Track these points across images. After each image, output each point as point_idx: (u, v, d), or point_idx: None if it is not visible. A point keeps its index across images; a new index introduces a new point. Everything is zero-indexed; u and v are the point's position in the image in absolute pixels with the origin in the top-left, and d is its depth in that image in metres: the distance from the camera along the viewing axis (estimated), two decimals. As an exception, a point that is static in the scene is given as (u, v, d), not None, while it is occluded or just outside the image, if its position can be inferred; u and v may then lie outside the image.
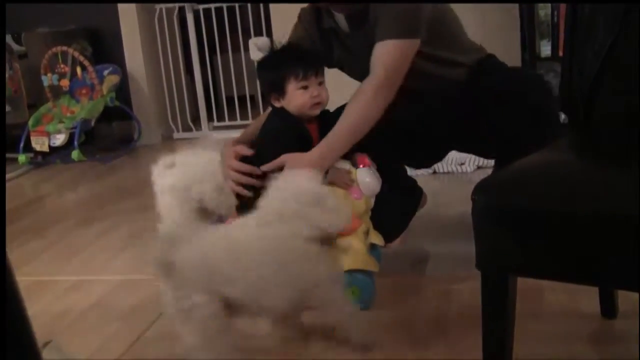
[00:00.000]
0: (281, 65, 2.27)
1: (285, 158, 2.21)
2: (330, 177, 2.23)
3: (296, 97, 2.25)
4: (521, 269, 1.57)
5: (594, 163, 1.68)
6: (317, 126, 2.31)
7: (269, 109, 2.41)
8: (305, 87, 2.24)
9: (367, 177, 2.27)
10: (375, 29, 2.32)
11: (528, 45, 4.07)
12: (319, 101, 2.26)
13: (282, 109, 2.28)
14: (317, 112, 2.28)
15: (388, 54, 2.29)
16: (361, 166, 2.29)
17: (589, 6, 1.85)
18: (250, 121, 5.75)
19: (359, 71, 2.54)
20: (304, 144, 2.27)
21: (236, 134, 5.63)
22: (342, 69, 2.63)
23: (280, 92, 2.27)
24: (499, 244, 1.55)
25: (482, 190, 1.58)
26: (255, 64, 4.93)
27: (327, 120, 2.32)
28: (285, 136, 2.25)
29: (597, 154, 1.73)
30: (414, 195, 2.87)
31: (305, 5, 2.57)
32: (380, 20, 2.31)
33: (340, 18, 2.47)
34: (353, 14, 2.42)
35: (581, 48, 1.86)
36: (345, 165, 2.29)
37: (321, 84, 2.28)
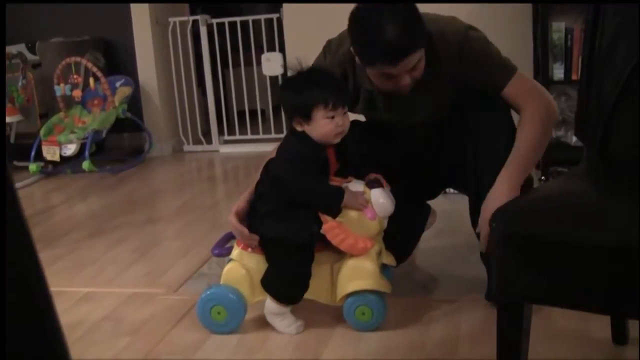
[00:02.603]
0: (311, 91, 2.22)
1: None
2: (345, 200, 2.23)
3: (322, 126, 2.22)
4: (537, 296, 1.57)
5: (610, 192, 1.68)
6: (334, 149, 2.31)
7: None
8: (332, 117, 2.23)
9: (381, 198, 2.27)
10: (480, 86, 2.36)
11: (541, 68, 4.08)
12: (342, 130, 2.26)
13: (303, 132, 2.26)
14: (338, 140, 2.26)
15: (521, 88, 2.34)
16: (375, 187, 2.30)
17: (608, 33, 1.85)
18: (261, 135, 5.80)
19: (384, 123, 2.56)
20: (323, 169, 2.28)
21: (246, 148, 5.67)
22: (362, 114, 2.61)
23: (306, 117, 2.23)
24: (516, 271, 1.56)
25: (499, 218, 1.58)
26: (280, 79, 4.93)
27: (343, 141, 2.31)
28: (306, 161, 2.24)
29: (614, 183, 1.73)
30: (422, 213, 2.87)
31: (332, 38, 2.53)
32: (486, 80, 2.34)
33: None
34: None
35: (599, 75, 1.86)
36: (360, 186, 2.29)
37: (345, 113, 2.27)
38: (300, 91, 2.24)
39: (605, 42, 1.86)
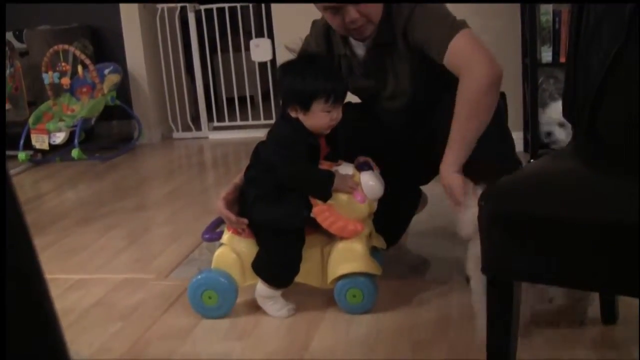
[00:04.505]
0: (314, 81, 2.21)
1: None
2: (335, 183, 2.24)
3: (318, 118, 2.22)
4: (526, 274, 1.58)
5: (598, 170, 1.69)
6: (325, 138, 2.31)
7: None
8: (329, 111, 2.22)
9: (370, 181, 2.28)
10: (427, 51, 2.33)
11: (529, 51, 4.08)
12: (335, 123, 2.26)
13: (297, 119, 2.25)
14: (329, 131, 2.28)
15: (459, 52, 2.26)
16: (365, 170, 2.30)
17: (594, 13, 1.86)
18: (250, 122, 5.80)
19: (366, 94, 2.57)
20: (314, 154, 2.28)
21: (236, 134, 5.66)
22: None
23: (304, 107, 2.22)
24: (505, 250, 1.57)
25: (489, 197, 1.59)
26: (269, 65, 4.88)
27: (334, 132, 2.32)
28: (297, 147, 2.24)
29: (601, 162, 1.74)
30: (413, 196, 2.88)
31: (317, 19, 2.57)
32: (429, 40, 2.31)
33: (358, 45, 2.47)
34: (374, 43, 2.42)
35: (586, 55, 1.87)
36: (349, 169, 2.29)
37: (341, 106, 2.27)
38: (304, 79, 2.23)
39: (591, 23, 1.86)
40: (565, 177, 1.64)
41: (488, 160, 2.24)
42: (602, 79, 1.78)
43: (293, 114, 2.26)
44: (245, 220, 2.32)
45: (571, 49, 1.93)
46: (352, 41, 2.47)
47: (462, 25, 2.31)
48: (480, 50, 2.27)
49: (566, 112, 1.97)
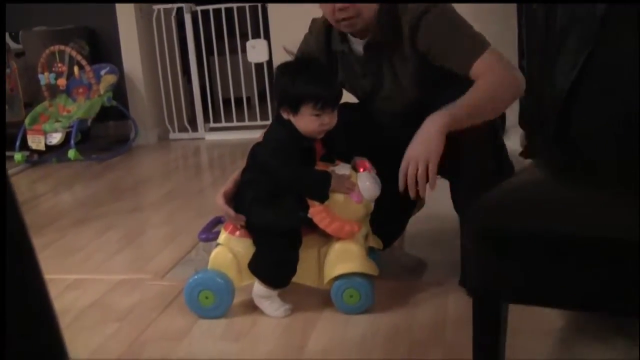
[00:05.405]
0: (305, 85, 2.23)
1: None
2: (332, 184, 2.24)
3: (307, 122, 2.23)
4: (511, 295, 1.54)
5: (579, 184, 1.65)
6: (321, 140, 2.32)
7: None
8: (318, 115, 2.24)
9: (367, 181, 2.28)
10: (443, 62, 2.33)
11: (526, 53, 4.08)
12: (326, 129, 2.27)
13: (289, 121, 2.26)
14: (321, 135, 2.28)
15: (489, 68, 2.27)
16: (361, 170, 2.31)
17: (562, 18, 1.83)
18: (246, 123, 5.80)
19: (363, 93, 2.58)
20: (308, 158, 2.29)
21: (232, 135, 5.65)
22: (343, 86, 2.61)
23: (294, 109, 2.23)
24: (493, 268, 1.54)
25: (471, 215, 1.56)
26: (265, 66, 4.88)
27: (330, 134, 2.32)
28: (292, 149, 2.25)
29: (581, 174, 1.70)
30: (410, 197, 2.87)
31: (317, 17, 2.57)
32: (448, 52, 2.31)
33: (356, 42, 2.47)
34: (372, 41, 2.42)
35: (554, 62, 1.84)
36: (346, 170, 2.30)
37: (333, 112, 2.27)
38: (295, 81, 2.24)
39: (557, 28, 1.84)
40: (548, 192, 1.59)
41: (481, 161, 2.26)
42: (571, 85, 1.75)
43: (285, 115, 2.27)
44: (244, 217, 2.32)
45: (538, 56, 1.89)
46: (351, 38, 2.47)
47: (485, 42, 2.32)
48: (511, 67, 2.31)
49: (523, 121, 1.94)
